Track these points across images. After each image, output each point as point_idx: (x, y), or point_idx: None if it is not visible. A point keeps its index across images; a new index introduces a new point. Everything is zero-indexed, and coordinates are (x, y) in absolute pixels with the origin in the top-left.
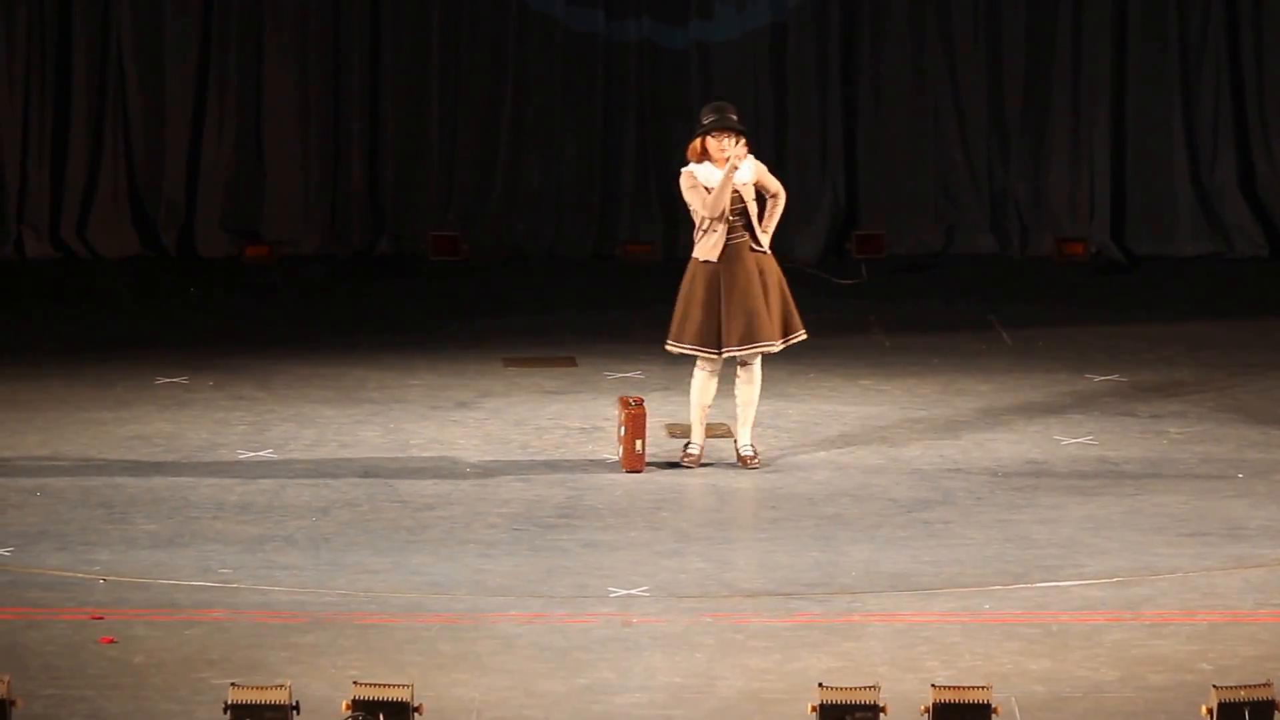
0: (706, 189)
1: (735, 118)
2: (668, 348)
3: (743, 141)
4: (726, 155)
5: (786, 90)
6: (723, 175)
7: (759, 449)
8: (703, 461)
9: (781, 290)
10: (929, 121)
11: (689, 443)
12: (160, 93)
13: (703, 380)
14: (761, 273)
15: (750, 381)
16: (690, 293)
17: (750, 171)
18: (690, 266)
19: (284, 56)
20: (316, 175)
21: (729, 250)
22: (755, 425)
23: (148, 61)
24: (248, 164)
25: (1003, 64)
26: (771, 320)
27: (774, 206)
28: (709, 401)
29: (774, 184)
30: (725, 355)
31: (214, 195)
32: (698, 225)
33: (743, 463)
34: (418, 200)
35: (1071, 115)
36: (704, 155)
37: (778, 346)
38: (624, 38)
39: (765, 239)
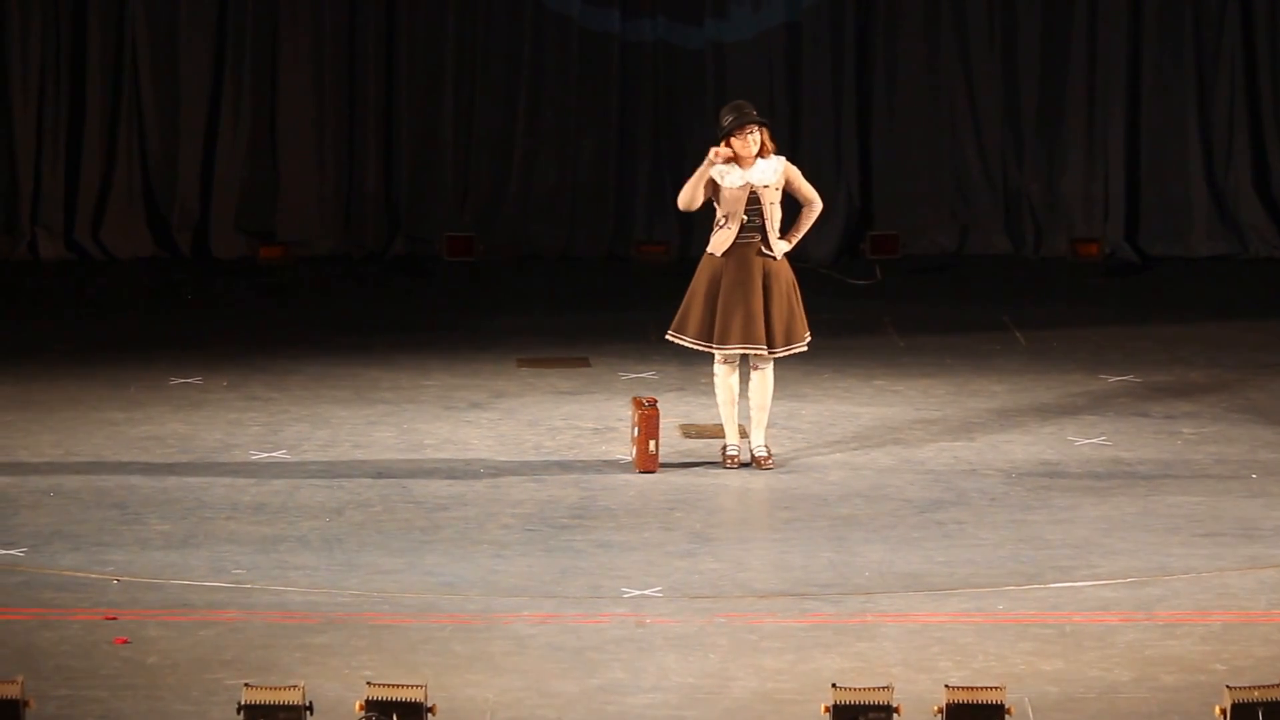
0: (715, 183)
1: (754, 112)
2: (668, 337)
3: (764, 131)
4: (753, 152)
5: (801, 90)
6: (700, 168)
7: (773, 449)
8: (741, 461)
9: (788, 299)
10: (944, 122)
11: (725, 444)
12: (175, 93)
13: (723, 376)
14: (766, 276)
15: (764, 382)
16: (695, 286)
17: (775, 175)
18: (702, 259)
19: (298, 57)
20: (331, 176)
21: (735, 249)
22: (769, 426)
23: (162, 62)
24: (262, 165)
25: (1018, 64)
26: (772, 326)
27: (806, 215)
28: (734, 398)
29: (808, 191)
30: (715, 350)
31: (228, 196)
32: (715, 220)
33: (756, 463)
34: (432, 201)
35: (1086, 116)
36: (731, 158)
37: (772, 352)
38: (639, 37)
39: (784, 246)
